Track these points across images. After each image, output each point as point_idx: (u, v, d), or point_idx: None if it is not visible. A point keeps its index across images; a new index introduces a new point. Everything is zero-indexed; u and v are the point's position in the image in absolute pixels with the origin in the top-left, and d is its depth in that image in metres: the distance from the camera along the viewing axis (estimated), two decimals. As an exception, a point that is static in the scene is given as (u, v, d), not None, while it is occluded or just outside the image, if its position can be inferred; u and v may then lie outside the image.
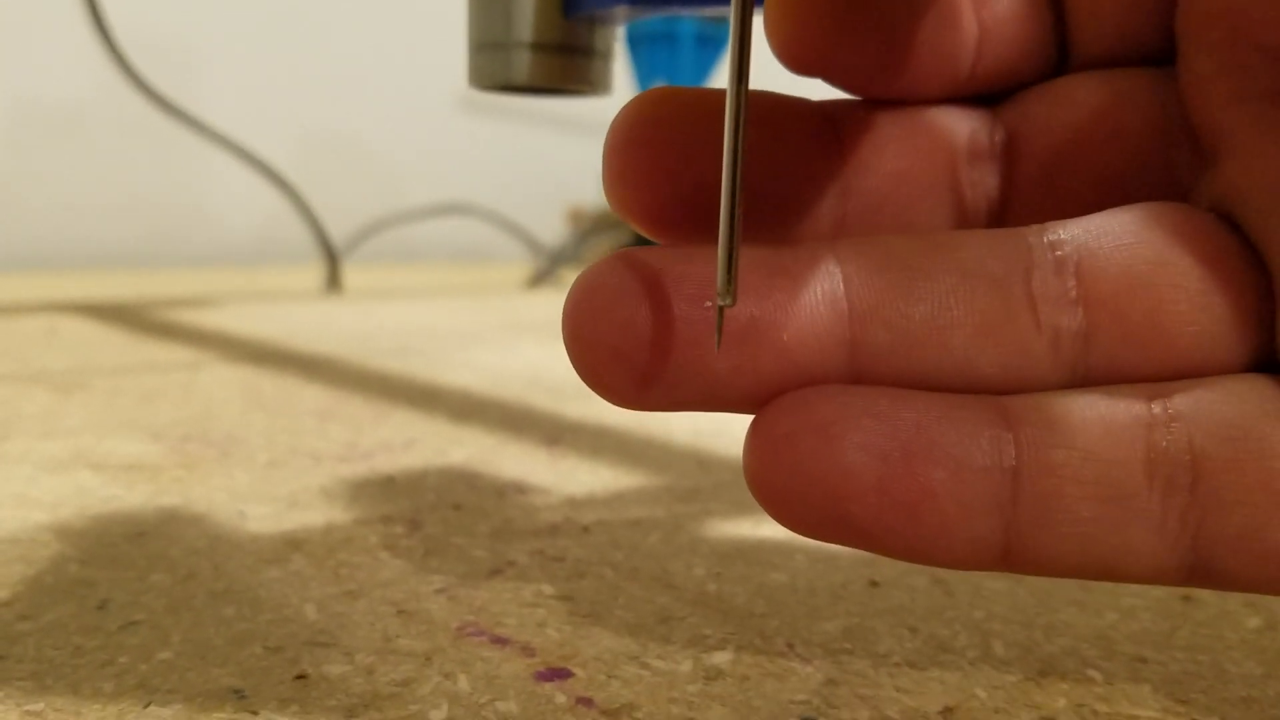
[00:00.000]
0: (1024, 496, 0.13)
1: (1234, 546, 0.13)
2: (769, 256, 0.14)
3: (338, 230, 1.05)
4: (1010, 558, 0.14)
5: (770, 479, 0.14)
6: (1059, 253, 0.14)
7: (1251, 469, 0.13)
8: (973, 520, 0.13)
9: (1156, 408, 0.14)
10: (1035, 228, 0.15)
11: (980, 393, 0.14)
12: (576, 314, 0.14)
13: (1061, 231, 0.15)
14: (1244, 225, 0.15)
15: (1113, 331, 0.14)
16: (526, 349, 0.58)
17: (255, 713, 0.16)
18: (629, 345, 0.14)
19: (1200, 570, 0.14)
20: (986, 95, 0.17)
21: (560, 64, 0.22)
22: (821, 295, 0.14)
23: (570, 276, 1.17)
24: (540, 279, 1.09)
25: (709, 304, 0.14)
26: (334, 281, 0.96)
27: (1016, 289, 0.14)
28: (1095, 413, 0.14)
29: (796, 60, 0.16)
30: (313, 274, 1.05)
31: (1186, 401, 0.14)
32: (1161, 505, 0.13)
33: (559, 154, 1.57)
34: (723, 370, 0.14)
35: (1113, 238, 0.14)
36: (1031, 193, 0.16)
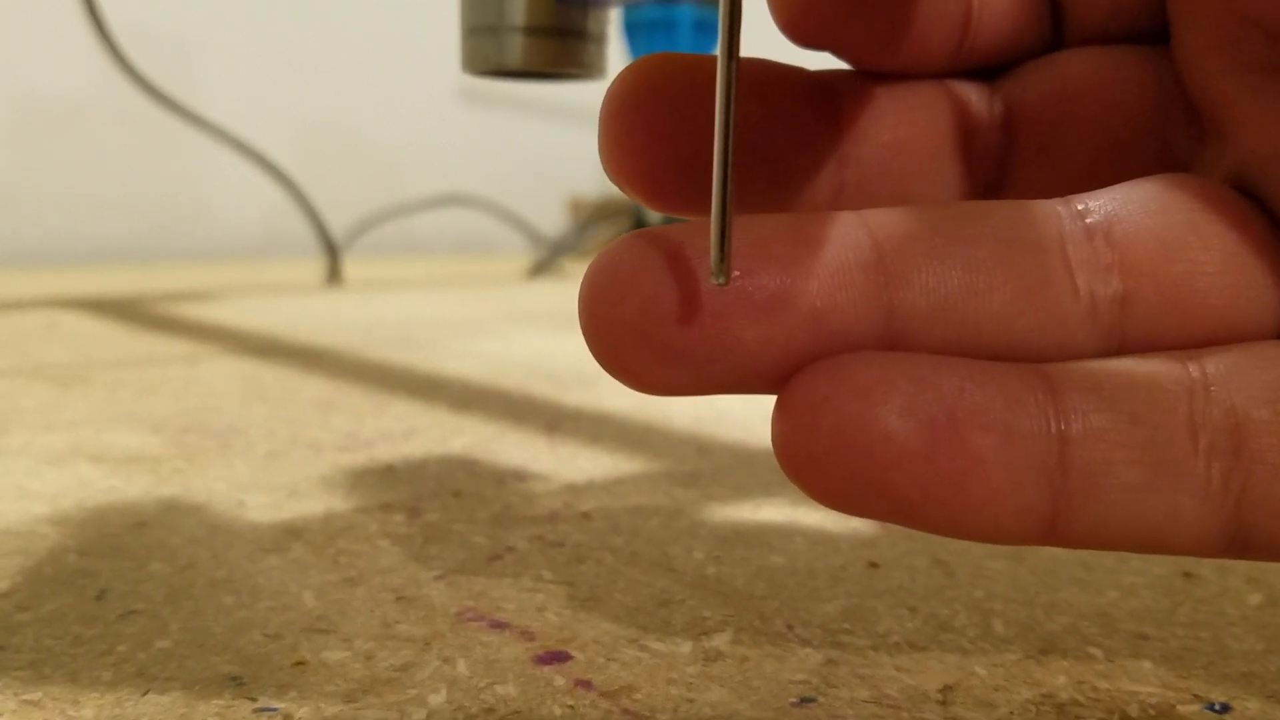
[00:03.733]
0: (1073, 463, 0.13)
1: (1278, 511, 0.13)
2: (794, 224, 0.14)
3: (338, 223, 1.05)
4: (1056, 529, 0.13)
5: (805, 447, 0.13)
6: (1088, 220, 0.14)
7: None
8: (1021, 489, 0.13)
9: (1194, 371, 0.13)
10: (1059, 199, 0.14)
11: (1018, 360, 0.14)
12: (594, 296, 0.13)
13: (1089, 201, 0.14)
14: (1262, 194, 0.14)
15: (1150, 297, 0.14)
16: (527, 339, 0.58)
17: (254, 699, 0.16)
18: (651, 323, 0.13)
19: (1241, 539, 0.13)
20: (984, 69, 0.17)
21: (553, 47, 0.22)
22: (854, 261, 0.13)
23: (570, 267, 1.17)
24: (540, 269, 1.09)
25: (736, 274, 0.13)
26: (334, 274, 0.96)
27: (1052, 255, 0.14)
28: (1136, 377, 0.13)
29: (800, 33, 0.16)
30: (313, 267, 1.05)
31: (1222, 366, 0.13)
32: (1206, 470, 0.13)
33: (559, 145, 1.57)
34: (751, 342, 0.13)
35: (1140, 205, 0.14)
36: (1030, 165, 0.16)
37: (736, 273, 0.13)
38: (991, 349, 0.14)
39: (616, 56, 0.32)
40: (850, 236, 0.14)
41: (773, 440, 0.13)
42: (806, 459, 0.13)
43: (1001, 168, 0.17)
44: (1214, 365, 0.13)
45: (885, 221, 0.14)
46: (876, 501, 0.13)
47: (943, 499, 0.13)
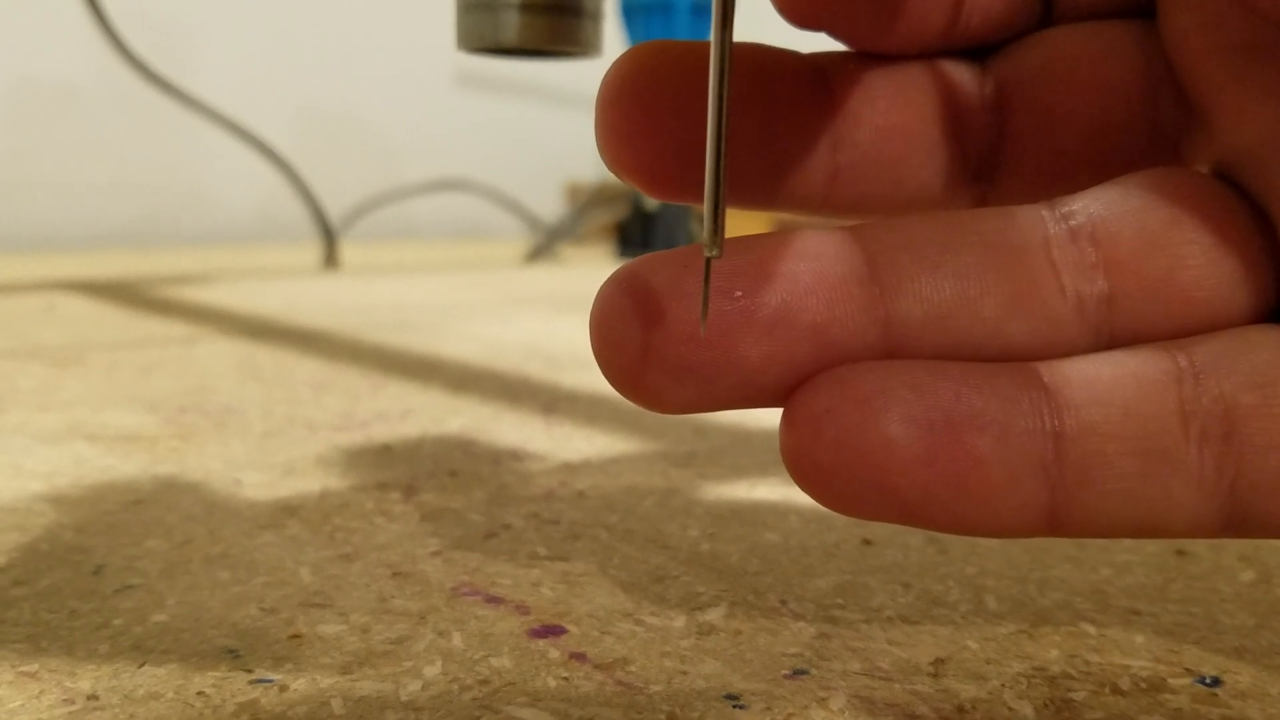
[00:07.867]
0: (1068, 457, 0.13)
1: (1271, 491, 0.13)
2: (789, 242, 0.14)
3: (335, 207, 1.05)
4: (1056, 521, 0.14)
5: (811, 457, 0.14)
6: (1072, 223, 0.14)
7: None
8: (1020, 485, 0.13)
9: (1183, 361, 0.14)
10: (1045, 202, 0.15)
11: (1013, 360, 0.14)
12: (605, 318, 0.14)
13: (1072, 204, 0.15)
14: (1244, 184, 0.15)
15: (1134, 293, 0.14)
16: (524, 322, 0.58)
17: (250, 670, 0.16)
18: (661, 343, 0.14)
19: (1238, 519, 0.14)
20: (975, 49, 0.17)
21: (549, 24, 0.22)
22: (850, 274, 0.14)
23: (568, 252, 1.17)
24: (538, 254, 1.09)
25: (739, 294, 0.14)
26: (331, 258, 0.96)
27: (1038, 259, 0.14)
28: (1126, 370, 0.14)
29: (797, 13, 0.16)
30: (310, 251, 1.05)
31: (1210, 353, 0.14)
32: (1199, 456, 0.13)
33: (556, 129, 1.57)
34: (757, 359, 0.14)
35: (1122, 204, 0.14)
36: (1021, 145, 0.16)
37: (739, 292, 0.14)
38: (986, 352, 0.14)
39: (613, 39, 0.32)
40: (844, 251, 0.14)
41: (781, 452, 0.14)
42: (814, 469, 0.14)
43: (993, 148, 0.17)
44: (1201, 353, 0.14)
45: (877, 235, 0.15)
46: (882, 505, 0.14)
47: (945, 499, 0.13)
